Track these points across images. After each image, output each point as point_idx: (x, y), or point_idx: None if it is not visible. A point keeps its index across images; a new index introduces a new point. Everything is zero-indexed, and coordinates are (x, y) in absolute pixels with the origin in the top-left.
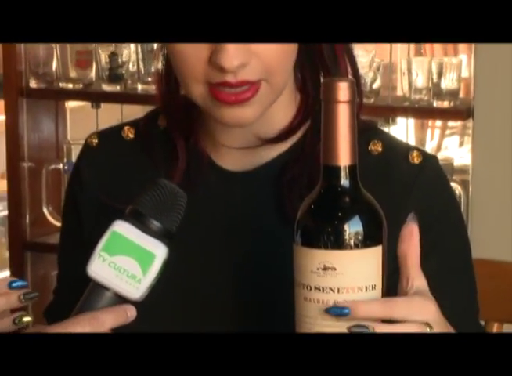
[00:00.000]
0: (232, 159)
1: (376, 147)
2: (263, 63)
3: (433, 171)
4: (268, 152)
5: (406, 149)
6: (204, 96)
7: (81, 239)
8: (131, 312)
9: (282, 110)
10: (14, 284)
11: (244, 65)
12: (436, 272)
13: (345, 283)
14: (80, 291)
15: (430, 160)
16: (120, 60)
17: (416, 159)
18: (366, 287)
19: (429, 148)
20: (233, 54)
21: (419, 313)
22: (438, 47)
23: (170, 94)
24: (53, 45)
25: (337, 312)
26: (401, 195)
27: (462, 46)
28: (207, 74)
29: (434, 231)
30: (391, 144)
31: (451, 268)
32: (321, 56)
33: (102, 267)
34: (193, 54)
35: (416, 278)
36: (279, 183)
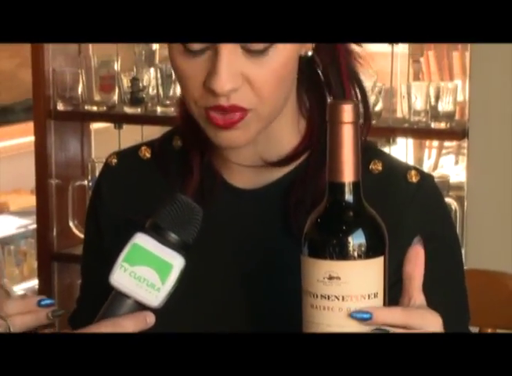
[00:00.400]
0: (242, 177)
1: (377, 166)
2: (254, 90)
3: (430, 189)
4: (276, 172)
5: (405, 168)
6: (202, 118)
7: (101, 251)
8: (150, 319)
9: (286, 136)
10: (43, 303)
11: (236, 90)
12: (431, 285)
13: (349, 291)
14: (101, 299)
15: (427, 179)
16: (141, 85)
17: (414, 178)
18: (369, 295)
19: (426, 166)
20: (225, 79)
21: (431, 324)
22: (434, 72)
23: (187, 115)
24: (79, 70)
25: (358, 316)
26: (399, 212)
27: (457, 72)
28: (204, 98)
29: (429, 246)
30: (390, 163)
31: (445, 281)
32: (328, 84)
33: (123, 277)
34: (192, 77)
35: (417, 299)
36: (286, 203)
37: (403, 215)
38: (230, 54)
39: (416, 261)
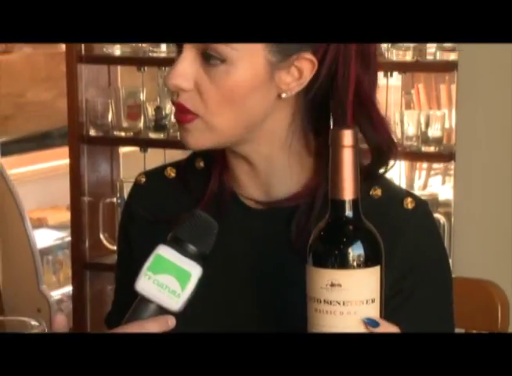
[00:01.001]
0: (254, 197)
1: (377, 192)
2: (201, 98)
3: (423, 215)
4: (282, 194)
5: (402, 195)
6: None
7: (131, 261)
8: (171, 322)
9: (288, 172)
10: None
11: (182, 89)
12: (422, 300)
13: (349, 297)
14: (131, 302)
15: (421, 206)
16: (164, 113)
17: (409, 205)
18: (367, 301)
19: (417, 185)
20: (174, 76)
21: None
22: (424, 103)
23: None
24: (109, 100)
25: (368, 321)
26: (395, 235)
27: (444, 102)
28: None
29: (421, 269)
30: (389, 190)
31: (434, 297)
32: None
33: (147, 284)
34: None
35: None
36: (290, 224)
37: (399, 238)
38: (189, 58)
39: None
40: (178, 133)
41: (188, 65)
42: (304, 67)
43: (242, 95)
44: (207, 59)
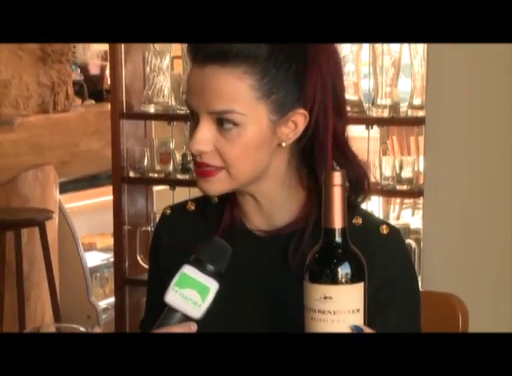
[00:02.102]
0: (259, 226)
1: (358, 221)
2: (221, 155)
3: (396, 240)
4: (281, 223)
5: (378, 223)
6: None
7: (159, 278)
8: (194, 327)
9: (288, 207)
10: None
11: (205, 152)
12: (392, 313)
13: (339, 307)
14: (160, 311)
15: (394, 232)
16: (189, 158)
17: (384, 231)
18: (353, 311)
19: (392, 216)
20: (196, 143)
21: None
22: (397, 150)
23: None
24: (145, 148)
25: (355, 328)
26: (372, 257)
27: (413, 150)
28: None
29: (393, 284)
30: (368, 219)
31: (403, 311)
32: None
33: (174, 296)
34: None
35: None
36: (288, 249)
37: (375, 258)
38: (206, 125)
39: None
40: (197, 182)
41: (206, 131)
42: (298, 120)
43: (252, 149)
44: (221, 124)
